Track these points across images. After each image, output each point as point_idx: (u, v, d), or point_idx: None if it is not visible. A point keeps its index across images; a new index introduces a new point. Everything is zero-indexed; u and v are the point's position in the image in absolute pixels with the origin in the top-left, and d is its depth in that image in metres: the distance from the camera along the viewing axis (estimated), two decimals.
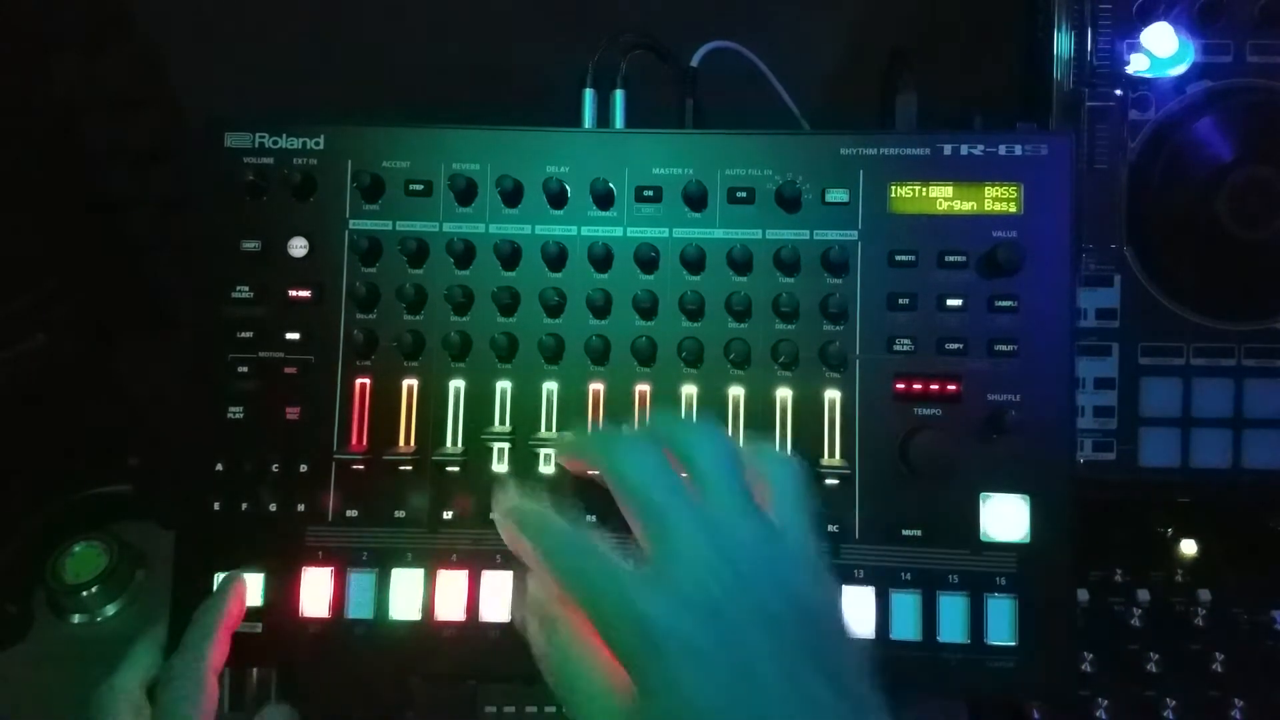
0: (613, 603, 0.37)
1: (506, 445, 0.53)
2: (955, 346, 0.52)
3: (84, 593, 0.69)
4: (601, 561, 0.38)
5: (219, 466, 0.53)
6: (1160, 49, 0.59)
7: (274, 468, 0.53)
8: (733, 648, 0.36)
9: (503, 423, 0.53)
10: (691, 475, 0.41)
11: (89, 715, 0.50)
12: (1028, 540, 0.51)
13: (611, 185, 0.53)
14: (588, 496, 0.48)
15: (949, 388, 0.52)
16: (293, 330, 0.54)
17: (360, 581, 0.52)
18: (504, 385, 0.53)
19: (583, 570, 0.38)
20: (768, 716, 0.35)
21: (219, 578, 0.52)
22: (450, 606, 0.52)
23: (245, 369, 0.53)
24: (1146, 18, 0.59)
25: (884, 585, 0.51)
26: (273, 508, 0.53)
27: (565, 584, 0.39)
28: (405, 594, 0.52)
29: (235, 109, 0.58)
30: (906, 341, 0.53)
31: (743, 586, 0.37)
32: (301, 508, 0.53)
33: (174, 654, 0.49)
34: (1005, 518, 0.51)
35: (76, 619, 0.70)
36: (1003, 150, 0.53)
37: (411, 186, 0.54)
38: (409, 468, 0.53)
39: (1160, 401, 0.59)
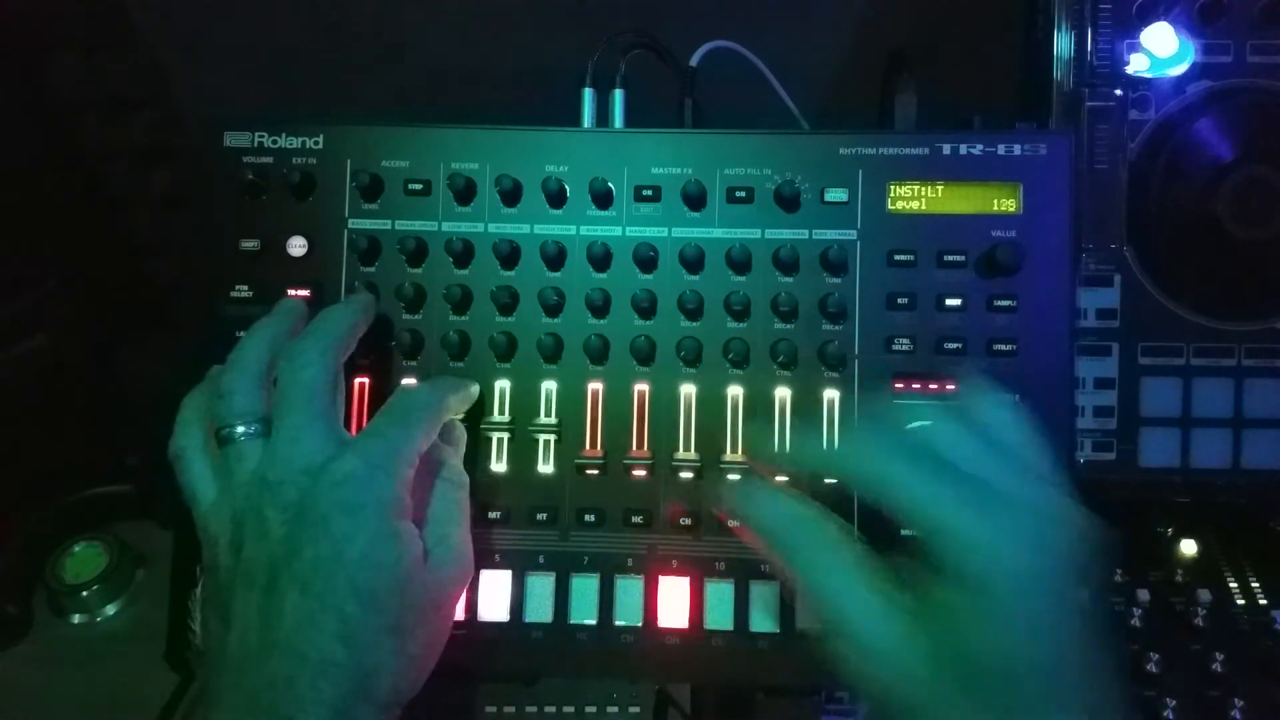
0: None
1: (506, 435, 0.53)
2: (954, 346, 0.52)
3: (84, 593, 0.69)
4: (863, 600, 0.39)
5: None
6: (1160, 49, 0.59)
7: None
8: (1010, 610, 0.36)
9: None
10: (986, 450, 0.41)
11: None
12: None
13: (610, 185, 0.53)
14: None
15: (948, 387, 0.52)
16: None
17: None
18: (503, 384, 0.53)
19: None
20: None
21: None
22: None
23: None
24: (1146, 18, 0.59)
25: None
26: None
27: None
28: None
29: (235, 109, 0.58)
30: (905, 341, 0.53)
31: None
32: None
33: (296, 339, 0.47)
34: None
35: (76, 619, 0.70)
36: (1002, 150, 0.53)
37: (410, 186, 0.54)
38: None
39: (1160, 401, 0.59)
